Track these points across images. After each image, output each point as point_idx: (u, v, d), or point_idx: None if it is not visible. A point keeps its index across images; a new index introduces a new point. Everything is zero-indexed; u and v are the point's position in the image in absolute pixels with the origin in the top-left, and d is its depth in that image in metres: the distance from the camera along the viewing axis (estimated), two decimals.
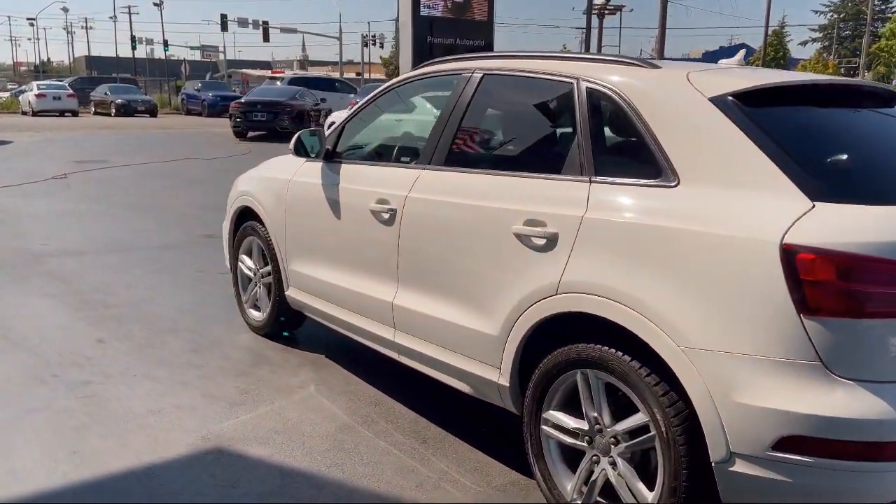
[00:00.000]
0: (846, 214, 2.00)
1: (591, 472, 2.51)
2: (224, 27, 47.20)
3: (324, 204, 3.69)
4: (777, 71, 3.20)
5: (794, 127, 2.36)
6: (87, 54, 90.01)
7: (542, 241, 2.56)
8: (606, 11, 46.47)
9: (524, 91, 3.10)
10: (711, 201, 2.19)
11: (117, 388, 3.67)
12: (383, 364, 3.65)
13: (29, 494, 2.75)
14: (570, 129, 2.76)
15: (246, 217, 4.51)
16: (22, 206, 8.90)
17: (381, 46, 66.60)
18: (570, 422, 2.56)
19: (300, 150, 3.92)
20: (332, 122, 16.93)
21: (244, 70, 68.28)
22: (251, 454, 3.06)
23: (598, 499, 2.51)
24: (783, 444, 1.98)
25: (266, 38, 48.58)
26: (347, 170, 3.67)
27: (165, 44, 53.99)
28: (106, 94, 34.49)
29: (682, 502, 2.20)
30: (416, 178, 3.19)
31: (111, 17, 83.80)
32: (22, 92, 36.92)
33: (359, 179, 3.56)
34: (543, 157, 3.02)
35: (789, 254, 1.96)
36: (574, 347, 2.47)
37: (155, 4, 54.11)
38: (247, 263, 4.56)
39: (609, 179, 2.48)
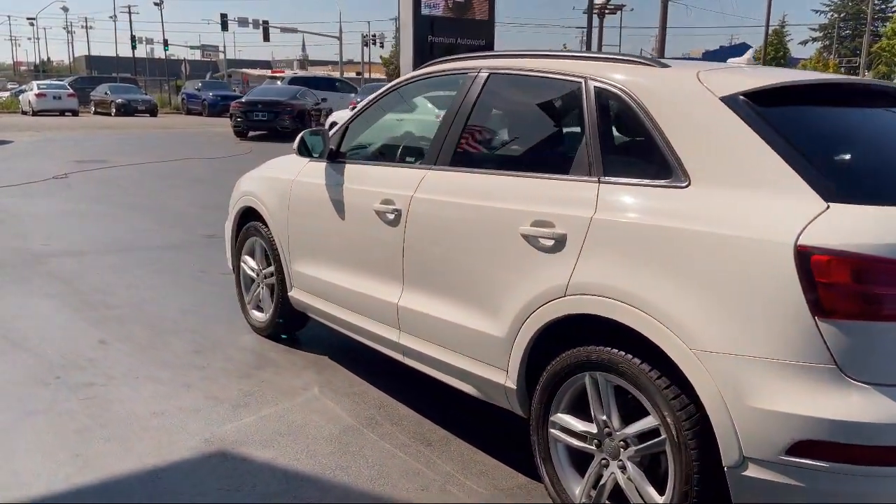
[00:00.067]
0: (861, 215, 1.97)
1: (600, 476, 2.48)
2: (224, 27, 47.17)
3: (328, 204, 3.66)
4: (787, 70, 3.19)
5: (806, 126, 2.33)
6: (87, 54, 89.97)
7: (550, 243, 2.53)
8: (607, 11, 46.46)
9: (531, 91, 3.07)
10: (723, 202, 2.16)
11: (120, 389, 3.65)
12: (387, 365, 3.63)
13: (31, 498, 2.72)
14: (577, 129, 2.74)
15: (249, 217, 4.48)
16: (22, 206, 8.87)
17: (382, 46, 66.61)
18: (578, 425, 2.53)
19: (303, 150, 3.89)
20: (333, 122, 16.91)
21: (244, 70, 68.26)
22: (255, 457, 3.03)
23: (607, 503, 2.48)
24: (797, 448, 1.95)
25: (266, 37, 48.57)
26: (351, 170, 3.64)
27: (165, 43, 54.00)
28: (106, 93, 34.46)
29: None
30: (422, 178, 3.17)
31: (111, 17, 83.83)
32: (22, 91, 36.88)
33: (363, 179, 3.54)
34: (551, 158, 2.99)
35: (804, 255, 1.93)
36: (583, 350, 2.44)
37: (155, 4, 54.12)
38: (249, 264, 4.53)
39: (618, 180, 2.45)
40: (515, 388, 2.71)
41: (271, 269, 4.27)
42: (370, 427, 3.33)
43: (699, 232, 2.15)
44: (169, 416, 3.37)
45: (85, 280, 5.64)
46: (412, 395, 3.64)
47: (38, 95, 31.92)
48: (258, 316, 4.51)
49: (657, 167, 2.36)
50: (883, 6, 60.82)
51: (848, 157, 2.27)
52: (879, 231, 1.93)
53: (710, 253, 2.11)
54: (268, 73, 54.18)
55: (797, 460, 1.96)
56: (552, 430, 2.61)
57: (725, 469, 2.08)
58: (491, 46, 19.91)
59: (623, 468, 2.40)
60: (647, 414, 2.30)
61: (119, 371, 3.88)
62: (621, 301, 2.28)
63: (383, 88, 3.85)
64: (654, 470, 2.36)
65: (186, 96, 38.13)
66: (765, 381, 1.99)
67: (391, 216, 3.22)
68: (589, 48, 37.54)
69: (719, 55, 52.96)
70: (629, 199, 2.38)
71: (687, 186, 2.26)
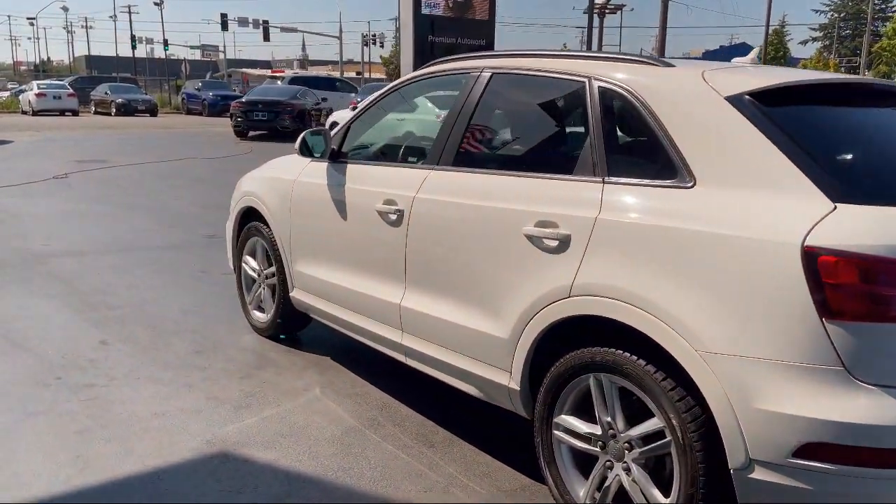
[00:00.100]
0: (868, 216, 1.95)
1: (605, 478, 2.47)
2: (224, 26, 47.17)
3: (329, 204, 3.65)
4: (792, 69, 3.17)
5: (812, 126, 2.32)
6: (87, 54, 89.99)
7: (554, 243, 2.51)
8: (607, 10, 46.45)
9: (534, 90, 3.06)
10: (729, 202, 2.14)
11: (121, 390, 3.63)
12: (389, 366, 3.61)
13: (32, 499, 2.71)
14: (581, 129, 2.72)
15: (250, 218, 4.46)
16: (23, 206, 8.86)
17: (382, 46, 66.63)
18: (582, 426, 2.52)
19: (305, 151, 3.87)
20: (334, 122, 16.89)
21: (244, 69, 68.20)
22: (257, 458, 3.02)
23: None
24: (804, 450, 1.94)
25: (266, 37, 48.58)
26: (353, 170, 3.63)
27: (165, 43, 53.99)
28: (106, 93, 34.44)
29: None
30: (424, 178, 3.15)
31: (111, 17, 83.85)
32: (22, 91, 36.86)
33: (365, 180, 3.52)
34: (554, 158, 2.98)
35: (811, 256, 1.91)
36: (587, 351, 2.43)
37: (155, 4, 54.13)
38: (251, 264, 4.51)
39: (623, 180, 2.43)
40: (519, 389, 2.70)
41: (273, 269, 4.26)
42: (372, 428, 3.32)
43: (704, 232, 2.13)
44: (170, 417, 3.35)
45: (85, 280, 5.63)
46: (414, 396, 3.63)
47: (38, 95, 31.91)
48: (259, 316, 4.50)
49: (662, 167, 2.34)
50: (883, 6, 60.81)
51: (854, 157, 2.26)
52: (887, 231, 1.91)
53: (716, 254, 2.09)
54: (268, 72, 54.15)
55: (804, 463, 1.94)
56: (556, 432, 2.60)
57: (731, 471, 2.07)
58: (491, 46, 19.90)
59: (628, 470, 2.39)
60: (652, 416, 2.28)
61: (120, 372, 3.87)
62: (626, 302, 2.26)
63: (385, 88, 3.83)
64: (658, 472, 2.35)
65: (186, 96, 38.13)
66: (771, 383, 1.98)
67: (393, 216, 3.21)
68: (589, 48, 37.53)
69: (719, 55, 53.01)
70: (634, 199, 2.37)
71: (692, 187, 2.24)
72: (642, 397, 2.30)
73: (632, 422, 2.37)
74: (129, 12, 61.68)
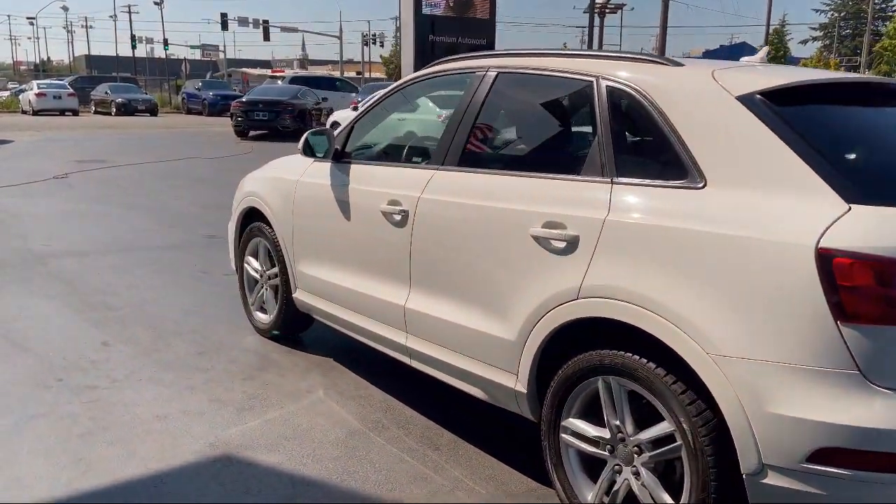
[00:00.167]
0: (884, 217, 1.92)
1: (613, 482, 2.44)
2: (224, 26, 47.16)
3: (333, 205, 3.61)
4: (802, 69, 3.14)
5: (825, 126, 2.29)
6: (87, 53, 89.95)
7: (561, 244, 2.48)
8: (607, 10, 46.44)
9: (541, 90, 3.02)
10: (741, 203, 2.11)
11: (123, 392, 3.60)
12: (393, 367, 3.58)
13: (32, 500, 2.68)
14: (589, 129, 2.69)
15: (252, 218, 4.43)
16: (23, 206, 8.83)
17: (382, 45, 66.60)
18: (590, 430, 2.49)
19: (308, 150, 3.84)
20: (335, 122, 16.89)
21: (244, 69, 68.15)
22: (261, 462, 2.99)
23: None
24: (818, 455, 1.91)
25: (266, 37, 48.57)
26: (357, 170, 3.60)
27: (165, 43, 53.94)
28: (106, 93, 34.41)
29: None
30: (429, 178, 3.12)
31: (111, 17, 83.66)
32: (22, 91, 36.83)
33: (369, 180, 3.49)
34: (561, 158, 2.95)
35: (825, 258, 1.88)
36: (596, 353, 2.40)
37: (155, 3, 54.11)
38: (253, 265, 4.48)
39: (631, 181, 2.40)
40: (526, 392, 2.67)
41: (275, 270, 4.23)
42: (377, 431, 3.29)
43: (716, 234, 2.10)
44: (172, 420, 3.32)
45: (86, 281, 5.60)
46: (419, 398, 3.60)
47: (38, 95, 31.88)
48: (262, 317, 4.47)
49: (672, 168, 2.31)
50: (883, 5, 60.77)
51: (868, 157, 2.23)
52: None
53: (728, 255, 2.06)
54: (268, 72, 54.12)
55: (818, 468, 1.91)
56: (564, 435, 2.57)
57: (744, 476, 2.04)
58: (492, 45, 19.91)
59: (637, 474, 2.36)
60: (661, 419, 2.25)
61: (122, 373, 3.84)
62: (636, 304, 2.23)
63: (389, 88, 3.80)
64: (668, 476, 2.32)
65: (187, 96, 38.12)
66: (785, 387, 1.95)
67: (398, 217, 3.18)
68: (590, 47, 37.50)
69: (719, 54, 52.94)
70: (643, 200, 2.34)
71: (703, 187, 2.21)
72: (652, 401, 2.27)
73: (641, 425, 2.34)
74: (129, 12, 61.67)
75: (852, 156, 2.21)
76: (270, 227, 4.18)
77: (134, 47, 55.28)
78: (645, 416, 2.33)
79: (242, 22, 49.74)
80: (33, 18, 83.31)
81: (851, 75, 2.68)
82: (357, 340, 3.71)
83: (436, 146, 3.26)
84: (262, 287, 4.43)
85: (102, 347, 4.21)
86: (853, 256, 1.86)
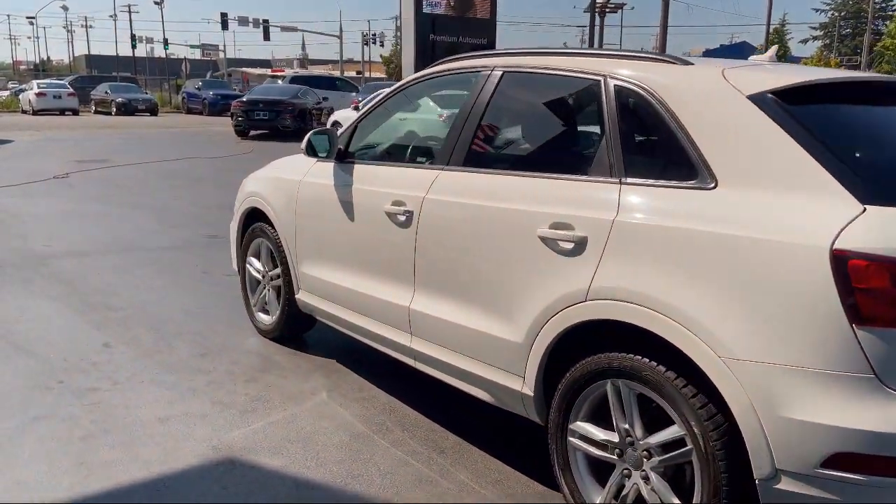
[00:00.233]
0: None
1: (622, 487, 2.41)
2: (224, 26, 47.18)
3: (336, 205, 3.58)
4: (813, 68, 3.10)
5: (838, 125, 2.26)
6: (87, 53, 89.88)
7: (569, 245, 2.45)
8: (608, 9, 46.38)
9: (547, 89, 2.99)
10: (753, 204, 2.08)
11: (125, 394, 3.57)
12: (396, 369, 3.55)
13: (33, 500, 2.65)
14: (596, 129, 2.66)
15: (254, 218, 4.40)
16: (23, 206, 8.80)
17: (382, 45, 66.56)
18: (598, 433, 2.46)
19: (311, 151, 3.81)
20: (335, 121, 16.86)
21: (244, 69, 68.12)
22: (264, 465, 2.96)
23: None
24: (833, 461, 1.88)
25: (266, 36, 48.58)
26: (360, 170, 3.57)
27: (166, 42, 53.92)
28: (106, 92, 34.37)
29: None
30: (434, 178, 3.09)
31: (111, 16, 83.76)
32: (22, 91, 36.79)
33: (373, 180, 3.46)
34: (568, 158, 2.92)
35: (840, 260, 1.85)
36: (604, 356, 2.36)
37: (155, 3, 54.07)
38: (255, 266, 4.45)
39: (640, 181, 2.37)
40: (532, 394, 2.63)
41: (278, 270, 4.20)
42: (381, 433, 3.26)
43: (728, 235, 2.07)
44: (175, 422, 3.29)
45: (87, 281, 5.57)
46: (423, 400, 3.57)
47: (38, 95, 31.84)
48: (264, 318, 4.44)
49: (681, 168, 2.28)
50: (883, 4, 60.70)
51: (883, 157, 2.20)
52: None
53: (740, 257, 2.03)
54: (268, 72, 54.08)
55: (833, 473, 1.88)
56: (571, 439, 2.54)
57: (756, 482, 2.01)
58: (493, 45, 19.88)
59: (646, 479, 2.32)
60: (671, 423, 2.22)
61: (123, 375, 3.81)
62: (645, 307, 2.20)
63: (392, 88, 3.77)
64: (678, 481, 2.29)
65: (187, 95, 38.09)
66: (799, 391, 1.92)
67: (402, 218, 3.15)
68: (591, 47, 37.47)
69: (719, 54, 52.90)
70: (653, 200, 2.30)
71: (714, 188, 2.18)
72: (662, 404, 2.23)
73: (650, 429, 2.31)
74: (129, 11, 61.68)
75: (866, 155, 2.18)
76: (273, 227, 4.15)
77: (134, 47, 55.27)
78: (654, 419, 2.30)
79: (242, 21, 49.72)
80: (33, 18, 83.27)
81: (863, 74, 2.65)
82: (360, 342, 3.68)
83: (440, 146, 3.23)
84: (265, 288, 4.40)
85: (104, 349, 4.18)
86: (869, 258, 1.83)
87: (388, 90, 3.77)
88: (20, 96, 35.99)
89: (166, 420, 3.31)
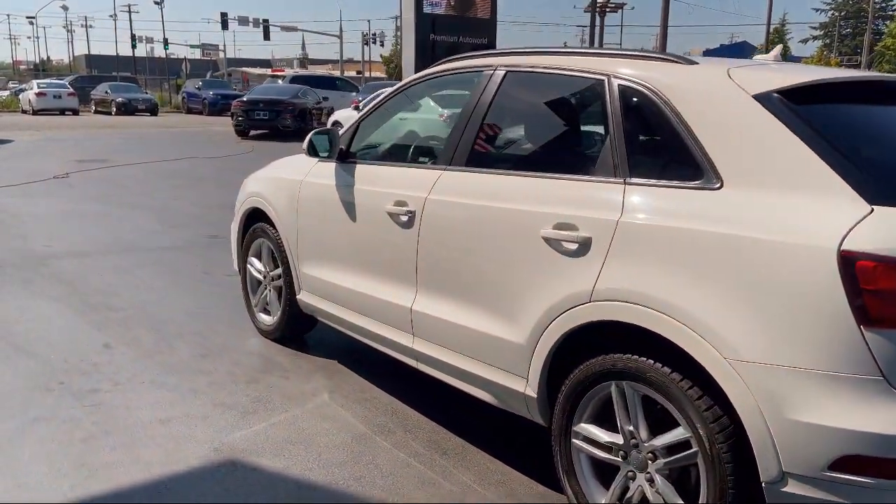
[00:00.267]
0: None
1: (627, 489, 2.39)
2: (224, 25, 47.16)
3: (338, 205, 3.57)
4: (817, 67, 3.09)
5: (844, 125, 2.24)
6: (87, 53, 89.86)
7: (573, 246, 2.44)
8: (608, 9, 46.38)
9: (550, 89, 2.97)
10: (759, 205, 2.06)
11: (126, 396, 3.55)
12: (398, 370, 3.53)
13: (35, 503, 2.64)
14: (600, 129, 2.65)
15: (255, 219, 4.38)
16: (23, 206, 8.78)
17: (382, 45, 66.58)
18: (603, 435, 2.44)
19: (312, 151, 3.79)
20: (335, 121, 16.84)
21: (244, 68, 68.08)
22: (266, 467, 2.94)
23: None
24: (841, 463, 1.86)
25: (266, 36, 48.54)
26: (362, 170, 3.55)
27: (166, 42, 53.88)
28: (107, 92, 34.34)
29: None
30: (437, 178, 3.07)
31: (111, 16, 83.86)
32: (22, 90, 36.77)
33: (375, 180, 3.44)
34: (572, 158, 2.90)
35: (848, 261, 1.84)
36: (609, 358, 2.35)
37: (155, 3, 54.04)
38: (256, 266, 4.43)
39: (645, 181, 2.35)
40: (536, 396, 2.62)
41: (279, 271, 4.18)
42: (383, 435, 3.24)
43: (733, 236, 2.05)
44: (176, 424, 3.27)
45: (88, 282, 5.55)
46: (425, 401, 3.55)
47: (38, 94, 31.81)
48: (265, 319, 4.42)
49: (686, 168, 2.27)
50: (884, 4, 60.68)
51: (891, 156, 2.18)
52: None
53: (746, 258, 2.02)
54: (268, 71, 54.07)
55: (841, 476, 1.87)
56: (575, 441, 2.52)
57: (763, 485, 1.99)
58: (493, 45, 19.83)
59: (651, 481, 2.31)
60: (677, 425, 2.20)
61: (124, 376, 3.79)
62: (651, 308, 2.18)
63: (394, 87, 3.75)
64: (683, 483, 2.27)
65: (187, 95, 38.08)
66: (806, 393, 1.90)
67: (405, 218, 3.13)
68: (592, 46, 37.42)
69: (720, 53, 52.86)
70: (657, 201, 2.29)
71: (719, 188, 2.16)
72: (667, 406, 2.22)
73: (655, 431, 2.29)
74: (129, 11, 61.67)
75: (873, 155, 2.16)
76: (274, 227, 4.13)
77: (134, 47, 55.27)
78: (659, 421, 2.28)
79: (242, 21, 49.72)
80: (33, 18, 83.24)
81: (870, 73, 2.62)
82: (361, 342, 3.66)
83: (443, 146, 3.21)
84: (266, 288, 4.39)
85: (104, 350, 4.16)
86: (877, 259, 1.81)
87: (390, 90, 3.75)
88: (20, 96, 35.95)
89: (167, 421, 3.30)
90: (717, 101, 2.29)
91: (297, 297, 4.02)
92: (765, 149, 2.13)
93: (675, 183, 2.28)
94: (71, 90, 33.29)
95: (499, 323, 2.73)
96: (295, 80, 26.37)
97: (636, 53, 2.67)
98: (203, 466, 2.93)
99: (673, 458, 2.23)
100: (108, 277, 5.68)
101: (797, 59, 59.54)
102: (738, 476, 2.05)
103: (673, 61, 2.53)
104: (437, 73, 3.48)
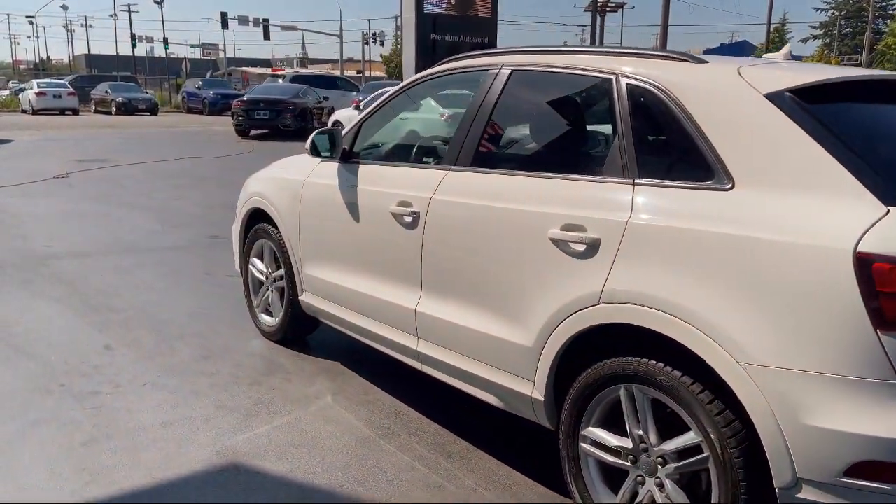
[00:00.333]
0: None
1: (636, 494, 2.36)
2: (224, 25, 47.12)
3: (341, 206, 3.53)
4: (829, 66, 3.04)
5: (859, 125, 2.20)
6: (86, 52, 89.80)
7: (581, 248, 2.40)
8: (608, 8, 46.32)
9: (557, 88, 2.93)
10: (771, 205, 2.03)
11: (127, 398, 3.52)
12: (402, 372, 3.50)
13: (35, 503, 2.61)
14: (608, 128, 2.61)
15: (257, 219, 4.35)
16: (23, 206, 8.74)
17: (382, 44, 66.52)
18: (611, 439, 2.40)
19: (315, 150, 3.75)
20: (336, 121, 16.81)
21: (244, 68, 68.06)
22: (269, 470, 2.91)
23: None
24: (856, 469, 1.83)
25: (266, 35, 48.49)
26: (366, 170, 3.51)
27: (165, 42, 53.85)
28: (107, 92, 34.28)
29: None
30: (441, 179, 3.04)
31: (111, 16, 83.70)
32: (22, 90, 36.73)
33: (378, 180, 3.41)
34: (580, 158, 2.86)
35: (864, 263, 1.80)
36: (618, 361, 2.31)
37: (155, 2, 54.02)
38: (258, 267, 4.40)
39: (654, 181, 2.31)
40: (543, 399, 2.58)
41: (281, 272, 4.15)
42: (387, 438, 3.21)
43: (745, 237, 2.02)
44: (178, 427, 3.24)
45: (88, 282, 5.52)
46: (429, 403, 3.52)
47: (38, 94, 31.76)
48: (267, 320, 4.39)
49: (697, 168, 2.23)
50: (884, 3, 60.61)
51: None
52: None
53: (758, 260, 1.98)
54: (268, 71, 54.03)
55: (856, 482, 1.83)
56: (583, 445, 2.49)
57: (777, 491, 1.96)
58: (494, 44, 19.79)
59: (661, 486, 2.27)
60: (687, 429, 2.17)
61: (125, 378, 3.76)
62: (661, 310, 2.15)
63: (398, 87, 3.71)
64: (694, 488, 2.24)
65: (187, 95, 38.04)
66: (821, 398, 1.86)
67: (409, 219, 3.09)
68: (593, 45, 37.33)
69: (720, 53, 52.84)
70: (667, 201, 2.25)
71: (730, 188, 2.13)
72: (677, 410, 2.18)
73: (665, 435, 2.26)
74: (129, 11, 61.63)
75: (888, 155, 2.12)
76: (276, 228, 4.09)
77: (134, 46, 55.18)
78: (669, 425, 2.25)
79: (242, 21, 49.65)
80: (33, 17, 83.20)
81: (883, 72, 2.58)
82: (365, 344, 3.63)
83: (448, 146, 3.17)
84: (268, 289, 4.35)
85: (105, 351, 4.13)
86: (893, 261, 1.78)
87: (393, 89, 3.71)
88: (20, 96, 35.90)
89: (169, 424, 3.26)
90: (729, 100, 2.25)
91: (300, 298, 3.99)
92: (777, 149, 2.09)
93: (685, 183, 2.24)
94: (71, 90, 33.23)
95: (505, 325, 2.70)
96: (295, 79, 26.34)
97: (644, 52, 2.64)
98: (205, 470, 2.90)
99: (683, 462, 2.20)
100: (109, 278, 5.64)
101: (798, 59, 59.44)
102: (750, 481, 2.02)
103: (682, 60, 2.49)
104: (441, 72, 3.44)
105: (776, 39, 56.64)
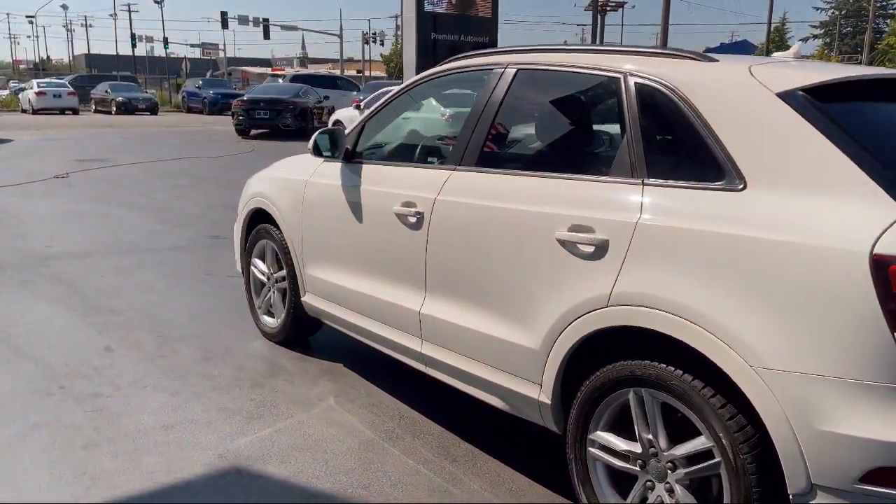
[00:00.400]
0: None
1: (645, 499, 2.32)
2: (224, 25, 47.10)
3: (344, 206, 3.50)
4: (839, 65, 3.00)
5: (873, 124, 2.17)
6: (86, 52, 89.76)
7: (590, 249, 2.36)
8: (608, 8, 46.29)
9: (563, 87, 2.89)
10: (785, 206, 1.99)
11: (127, 400, 3.48)
12: (405, 374, 3.46)
13: (35, 503, 2.58)
14: (617, 128, 2.57)
15: (259, 219, 4.31)
16: (23, 206, 8.70)
17: (382, 44, 66.46)
18: (620, 444, 2.37)
19: (318, 150, 3.72)
20: (337, 120, 16.76)
21: (244, 67, 67.97)
22: (272, 474, 2.87)
23: None
24: (872, 476, 1.79)
25: (266, 35, 48.43)
26: (369, 170, 3.48)
27: (165, 42, 53.81)
28: (107, 91, 34.23)
29: None
30: (446, 179, 3.00)
31: (111, 15, 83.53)
32: (22, 90, 36.69)
33: (382, 181, 3.37)
34: (588, 158, 2.82)
35: (880, 265, 1.76)
36: (627, 364, 2.28)
37: (155, 2, 54.01)
38: (260, 267, 4.36)
39: (664, 182, 2.28)
40: (550, 403, 2.55)
41: (283, 273, 4.11)
42: (391, 441, 3.17)
43: (758, 238, 1.98)
44: (179, 430, 3.21)
45: (88, 283, 5.48)
46: (433, 406, 3.48)
47: (38, 94, 31.71)
48: (269, 321, 4.35)
49: (707, 168, 2.19)
50: (884, 3, 60.55)
51: None
52: None
53: (771, 262, 1.94)
54: (268, 71, 54.00)
55: (873, 489, 1.80)
56: (591, 449, 2.45)
57: (790, 496, 1.92)
58: (494, 44, 19.73)
59: (671, 491, 2.24)
60: (698, 434, 2.13)
61: (126, 380, 3.72)
62: (672, 313, 2.11)
63: (401, 86, 3.67)
64: (704, 493, 2.20)
65: (187, 94, 37.99)
66: (835, 403, 1.83)
67: (413, 219, 3.06)
68: (594, 44, 37.29)
69: (720, 52, 52.80)
70: (677, 202, 2.21)
71: (742, 189, 2.09)
72: (688, 414, 2.15)
73: (675, 440, 2.22)
74: (129, 11, 61.63)
75: None
76: (278, 228, 4.06)
77: (134, 46, 55.13)
78: (679, 430, 2.21)
79: (242, 20, 49.62)
80: (33, 17, 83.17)
81: (895, 71, 2.55)
82: (367, 345, 3.59)
83: (453, 146, 3.14)
84: (270, 290, 4.31)
85: (105, 353, 4.09)
86: None
87: (396, 89, 3.67)
88: (20, 95, 35.85)
89: (170, 427, 3.23)
90: (740, 99, 2.22)
91: (302, 299, 3.95)
92: (790, 148, 2.06)
93: (695, 184, 2.21)
94: (71, 89, 33.17)
95: (511, 327, 2.66)
96: (295, 79, 26.28)
97: (652, 50, 2.60)
98: (207, 474, 2.86)
99: (694, 468, 2.16)
100: (109, 278, 5.61)
101: (805, 58, 59.40)
102: (763, 487, 1.98)
103: (691, 59, 2.45)
104: (445, 71, 3.40)
105: (776, 39, 56.63)
